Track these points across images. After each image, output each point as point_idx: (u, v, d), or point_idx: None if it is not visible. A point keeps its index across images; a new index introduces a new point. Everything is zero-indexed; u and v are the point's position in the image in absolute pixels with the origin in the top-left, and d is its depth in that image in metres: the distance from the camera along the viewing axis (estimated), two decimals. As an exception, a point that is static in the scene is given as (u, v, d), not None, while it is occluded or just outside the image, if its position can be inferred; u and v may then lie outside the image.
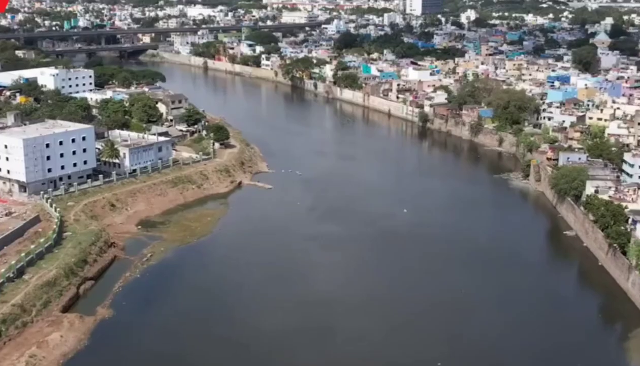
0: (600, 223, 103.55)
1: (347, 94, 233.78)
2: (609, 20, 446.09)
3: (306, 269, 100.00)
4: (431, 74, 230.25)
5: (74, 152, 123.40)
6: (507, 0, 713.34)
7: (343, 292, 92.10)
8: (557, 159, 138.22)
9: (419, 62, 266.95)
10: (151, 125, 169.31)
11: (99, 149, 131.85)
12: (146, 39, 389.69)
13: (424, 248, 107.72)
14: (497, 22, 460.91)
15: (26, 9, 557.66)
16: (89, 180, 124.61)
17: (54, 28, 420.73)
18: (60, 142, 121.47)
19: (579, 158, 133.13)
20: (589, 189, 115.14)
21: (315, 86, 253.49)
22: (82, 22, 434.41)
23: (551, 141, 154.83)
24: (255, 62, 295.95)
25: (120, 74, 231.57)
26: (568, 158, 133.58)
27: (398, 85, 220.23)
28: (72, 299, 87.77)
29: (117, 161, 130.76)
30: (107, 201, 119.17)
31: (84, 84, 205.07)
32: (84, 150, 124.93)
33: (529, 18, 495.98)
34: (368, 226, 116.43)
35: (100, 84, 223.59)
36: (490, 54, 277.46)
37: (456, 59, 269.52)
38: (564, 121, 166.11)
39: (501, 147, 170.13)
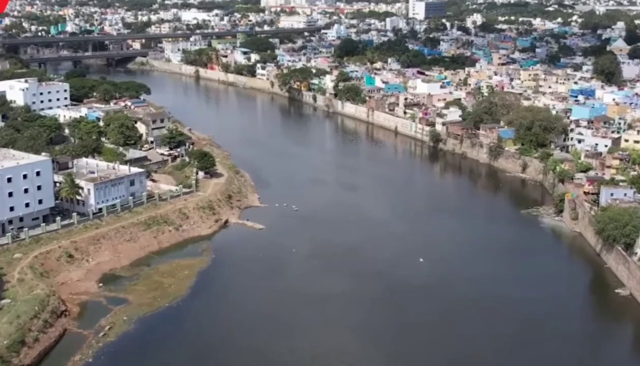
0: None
1: (349, 108, 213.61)
2: (620, 25, 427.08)
3: (304, 351, 79.71)
4: (441, 87, 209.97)
5: (26, 191, 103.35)
6: (512, 3, 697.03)
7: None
8: (597, 194, 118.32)
9: (427, 72, 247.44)
10: (128, 148, 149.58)
11: (60, 183, 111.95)
12: (137, 45, 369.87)
13: (447, 312, 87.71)
14: (505, 26, 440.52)
15: (16, 13, 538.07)
16: (44, 223, 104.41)
17: (40, 33, 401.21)
18: (9, 179, 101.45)
19: (625, 194, 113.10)
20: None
21: (315, 98, 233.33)
22: (70, 27, 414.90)
23: (585, 168, 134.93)
24: (250, 71, 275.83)
25: (101, 86, 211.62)
26: (612, 194, 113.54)
27: (405, 99, 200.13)
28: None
29: (80, 197, 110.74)
30: (64, 251, 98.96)
31: (58, 99, 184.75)
32: (39, 187, 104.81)
33: (537, 22, 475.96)
34: (377, 280, 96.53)
35: (78, 98, 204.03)
36: (503, 64, 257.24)
37: (466, 69, 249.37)
38: (596, 145, 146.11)
39: (525, 173, 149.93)
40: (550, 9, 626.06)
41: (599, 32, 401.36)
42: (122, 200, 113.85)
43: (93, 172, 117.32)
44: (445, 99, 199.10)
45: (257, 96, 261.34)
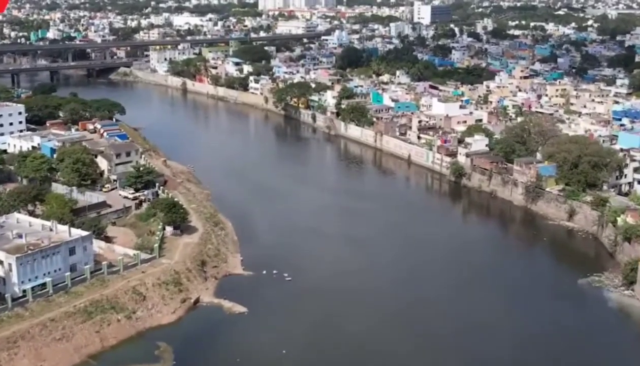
0: None
1: (354, 130, 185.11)
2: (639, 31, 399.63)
3: None
4: (461, 107, 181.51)
5: None
6: (519, 7, 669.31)
7: None
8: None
9: (440, 87, 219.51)
10: (84, 190, 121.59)
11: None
12: (122, 53, 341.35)
13: None
14: (517, 32, 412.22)
15: (0, 17, 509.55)
16: (-58, 318, 76.28)
17: (20, 40, 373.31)
18: None
19: None
20: None
21: (314, 117, 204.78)
22: (51, 33, 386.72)
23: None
24: (242, 84, 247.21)
25: (68, 105, 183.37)
26: None
27: (419, 122, 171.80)
28: None
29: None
30: (-38, 363, 70.76)
31: (10, 124, 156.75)
32: None
33: (550, 27, 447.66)
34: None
35: (41, 120, 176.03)
36: (525, 77, 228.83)
37: (484, 83, 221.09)
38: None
39: (572, 222, 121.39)
40: (560, 12, 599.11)
41: (618, 38, 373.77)
42: (56, 277, 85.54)
43: (21, 236, 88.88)
44: (465, 122, 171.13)
45: (250, 113, 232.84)
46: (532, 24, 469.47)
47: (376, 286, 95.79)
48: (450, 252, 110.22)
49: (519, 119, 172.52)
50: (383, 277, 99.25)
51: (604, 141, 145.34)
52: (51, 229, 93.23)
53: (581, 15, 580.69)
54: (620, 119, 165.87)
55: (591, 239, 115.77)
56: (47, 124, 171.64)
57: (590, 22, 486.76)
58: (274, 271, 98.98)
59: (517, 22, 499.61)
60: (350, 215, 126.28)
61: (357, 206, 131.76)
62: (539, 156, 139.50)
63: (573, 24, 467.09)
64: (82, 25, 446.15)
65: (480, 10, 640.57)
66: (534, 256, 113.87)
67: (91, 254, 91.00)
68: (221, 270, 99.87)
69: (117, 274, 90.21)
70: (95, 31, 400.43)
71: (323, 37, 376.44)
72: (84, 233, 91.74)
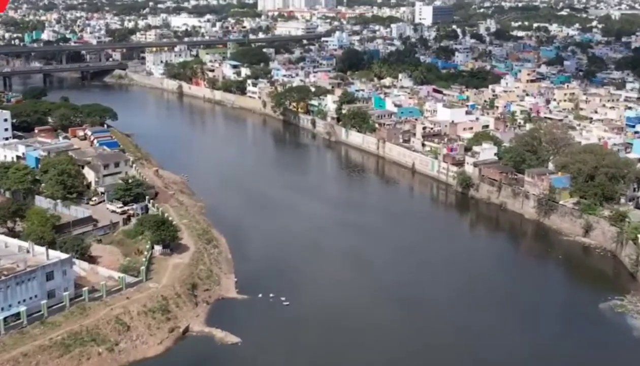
0: None
1: (356, 137, 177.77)
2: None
3: None
4: (467, 113, 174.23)
5: None
6: (520, 7, 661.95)
7: None
8: None
9: (444, 91, 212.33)
10: (69, 204, 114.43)
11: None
12: (118, 55, 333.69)
13: None
14: (521, 33, 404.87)
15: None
16: None
17: (14, 42, 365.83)
18: None
19: None
20: None
21: (314, 123, 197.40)
22: (46, 35, 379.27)
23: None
24: (240, 88, 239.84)
25: (58, 110, 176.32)
26: None
27: (424, 128, 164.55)
28: None
29: (-32, 304, 75.41)
30: None
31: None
32: None
33: (554, 28, 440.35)
34: None
35: (29, 127, 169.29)
36: (532, 80, 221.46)
37: (490, 87, 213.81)
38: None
39: (589, 237, 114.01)
40: (563, 13, 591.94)
41: (623, 39, 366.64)
42: (32, 305, 78.22)
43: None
44: (472, 128, 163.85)
45: (247, 117, 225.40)
46: (535, 24, 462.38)
47: (382, 314, 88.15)
48: (459, 271, 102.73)
49: (528, 126, 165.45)
50: (388, 302, 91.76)
51: (618, 150, 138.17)
52: (28, 251, 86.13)
53: (584, 15, 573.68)
54: (634, 126, 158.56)
55: (609, 257, 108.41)
56: (35, 131, 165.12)
57: (594, 23, 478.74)
58: (271, 295, 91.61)
59: (519, 22, 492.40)
60: (352, 230, 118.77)
61: (359, 219, 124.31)
62: (550, 166, 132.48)
63: (577, 25, 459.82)
64: (78, 26, 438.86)
65: (481, 10, 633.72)
66: (548, 275, 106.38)
67: (71, 279, 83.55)
68: (213, 294, 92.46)
69: (99, 301, 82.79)
70: (91, 32, 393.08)
71: (323, 39, 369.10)
72: (64, 256, 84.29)
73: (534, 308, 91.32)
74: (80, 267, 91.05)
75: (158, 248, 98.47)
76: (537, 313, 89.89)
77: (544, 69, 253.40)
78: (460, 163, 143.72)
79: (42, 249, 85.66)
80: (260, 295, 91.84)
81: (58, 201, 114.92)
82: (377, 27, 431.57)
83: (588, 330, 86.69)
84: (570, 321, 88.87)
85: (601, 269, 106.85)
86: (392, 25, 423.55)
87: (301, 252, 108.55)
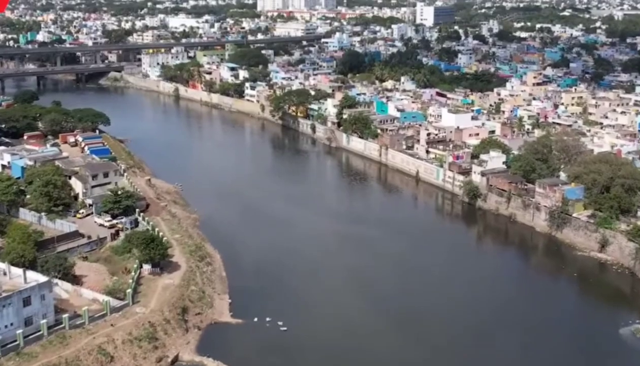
0: None
1: (357, 143, 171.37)
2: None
3: None
4: (472, 118, 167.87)
5: None
6: (522, 8, 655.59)
7: None
8: None
9: (448, 94, 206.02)
10: (55, 217, 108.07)
11: None
12: (114, 56, 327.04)
13: None
14: (524, 34, 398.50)
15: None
16: None
17: (9, 43, 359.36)
18: None
19: None
20: None
21: (313, 128, 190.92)
22: (41, 36, 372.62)
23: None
24: (238, 91, 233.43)
25: (48, 115, 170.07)
26: None
27: (428, 134, 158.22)
28: None
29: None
30: None
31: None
32: None
33: (557, 29, 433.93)
34: None
35: (17, 133, 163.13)
36: (538, 83, 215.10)
37: (495, 90, 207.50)
38: None
39: (605, 253, 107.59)
40: (565, 13, 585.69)
41: (628, 40, 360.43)
42: (7, 334, 71.79)
43: (-31, 283, 75.35)
44: (477, 134, 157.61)
45: (245, 121, 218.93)
46: (537, 25, 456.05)
47: (387, 342, 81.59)
48: (466, 289, 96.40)
49: (536, 132, 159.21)
50: (393, 326, 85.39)
51: (633, 158, 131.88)
52: (5, 274, 79.67)
53: (587, 16, 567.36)
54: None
55: (627, 275, 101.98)
56: (25, 137, 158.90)
57: (597, 24, 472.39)
58: (267, 319, 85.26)
59: (522, 23, 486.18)
60: (353, 245, 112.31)
61: (361, 232, 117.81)
62: (562, 175, 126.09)
63: (580, 26, 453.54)
64: (75, 27, 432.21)
65: (483, 11, 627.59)
66: (562, 294, 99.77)
67: (51, 305, 77.06)
68: (205, 318, 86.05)
69: (80, 329, 76.32)
70: (87, 33, 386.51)
71: (323, 40, 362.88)
72: (43, 279, 77.79)
73: (548, 331, 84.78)
74: (63, 288, 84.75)
75: (147, 267, 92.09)
76: (550, 336, 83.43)
77: (549, 71, 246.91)
78: (466, 172, 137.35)
79: (20, 271, 79.23)
80: (255, 319, 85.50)
81: (42, 214, 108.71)
82: (377, 28, 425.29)
83: (608, 358, 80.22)
84: (587, 347, 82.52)
85: (619, 289, 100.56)
86: (393, 26, 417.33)
87: (300, 269, 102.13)
